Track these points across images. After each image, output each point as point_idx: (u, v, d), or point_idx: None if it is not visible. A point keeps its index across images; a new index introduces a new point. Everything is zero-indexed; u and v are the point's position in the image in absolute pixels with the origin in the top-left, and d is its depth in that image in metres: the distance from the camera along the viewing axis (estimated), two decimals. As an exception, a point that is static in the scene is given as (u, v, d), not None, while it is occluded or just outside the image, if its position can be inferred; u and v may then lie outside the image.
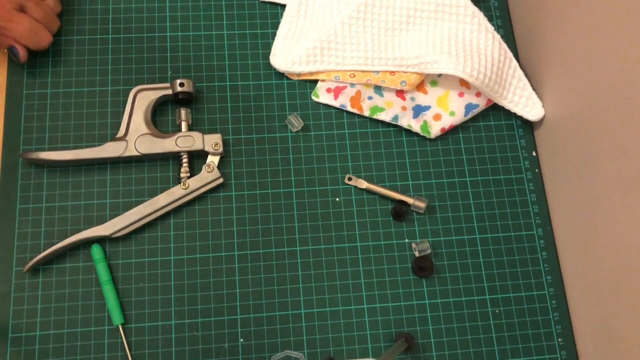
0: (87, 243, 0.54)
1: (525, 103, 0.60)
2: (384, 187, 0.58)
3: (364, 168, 0.59)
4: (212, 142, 0.56)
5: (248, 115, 0.59)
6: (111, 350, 0.51)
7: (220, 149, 0.56)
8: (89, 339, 0.52)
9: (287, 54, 0.60)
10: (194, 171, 0.56)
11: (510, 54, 0.61)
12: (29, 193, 0.55)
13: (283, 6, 0.63)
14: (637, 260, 0.47)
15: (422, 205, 0.57)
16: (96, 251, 0.53)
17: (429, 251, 0.56)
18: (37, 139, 0.56)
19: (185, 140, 0.55)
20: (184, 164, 0.55)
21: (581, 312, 0.55)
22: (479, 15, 0.61)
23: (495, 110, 0.62)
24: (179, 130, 0.57)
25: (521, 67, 0.62)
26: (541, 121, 0.61)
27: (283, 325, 0.54)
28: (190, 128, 0.57)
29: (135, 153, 0.55)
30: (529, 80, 0.61)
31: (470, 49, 0.59)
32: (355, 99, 0.60)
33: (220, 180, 0.56)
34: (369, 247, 0.57)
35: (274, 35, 0.62)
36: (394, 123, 0.60)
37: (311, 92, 0.61)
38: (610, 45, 0.49)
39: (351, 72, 0.60)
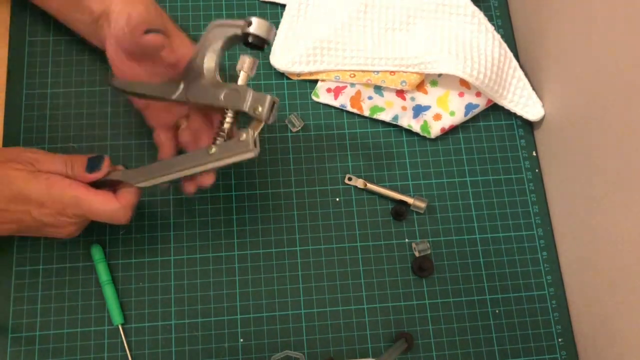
0: (87, 243, 0.54)
1: (525, 103, 0.60)
2: (384, 187, 0.58)
3: (364, 168, 0.59)
4: (255, 103, 0.45)
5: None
6: (111, 350, 0.51)
7: (263, 115, 0.45)
8: (89, 339, 0.52)
9: (287, 54, 0.60)
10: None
11: (510, 54, 0.61)
12: (29, 193, 0.55)
13: (283, 6, 0.63)
14: (637, 260, 0.47)
15: (422, 205, 0.57)
16: (96, 251, 0.53)
17: (429, 251, 0.56)
18: (37, 138, 0.56)
19: (232, 95, 0.45)
20: (225, 124, 0.47)
21: (581, 312, 0.55)
22: (479, 15, 0.61)
23: (495, 110, 0.62)
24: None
25: (521, 67, 0.62)
26: (541, 121, 0.61)
27: (283, 325, 0.54)
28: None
29: (184, 99, 0.47)
30: (529, 80, 0.61)
31: (471, 49, 0.59)
32: (355, 99, 0.60)
33: (251, 155, 0.45)
34: (369, 247, 0.57)
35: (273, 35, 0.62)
36: (394, 123, 0.60)
37: (311, 92, 0.61)
38: (610, 45, 0.49)
39: (351, 72, 0.60)
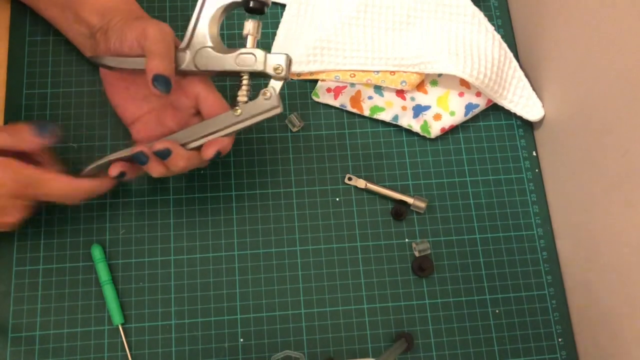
0: (87, 243, 0.54)
1: (525, 103, 0.60)
2: (384, 187, 0.58)
3: (364, 168, 0.59)
4: (274, 63, 0.48)
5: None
6: (111, 350, 0.51)
7: (284, 74, 0.48)
8: (89, 339, 0.52)
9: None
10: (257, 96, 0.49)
11: (510, 54, 0.61)
12: (29, 193, 0.55)
13: (283, 6, 0.63)
14: (637, 260, 0.47)
15: (422, 205, 0.57)
16: (96, 251, 0.53)
17: (429, 251, 0.56)
18: (37, 138, 0.56)
19: (245, 59, 0.48)
20: (243, 87, 0.49)
21: (581, 312, 0.55)
22: (479, 15, 0.61)
23: (495, 110, 0.62)
24: (244, 45, 0.49)
25: (521, 67, 0.62)
26: (541, 121, 0.61)
27: (283, 325, 0.54)
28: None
29: (193, 68, 0.48)
30: (529, 80, 0.61)
31: (471, 49, 0.59)
32: (355, 99, 0.60)
33: (278, 110, 0.49)
34: (369, 247, 0.57)
35: (274, 35, 0.62)
36: (394, 123, 0.60)
37: (311, 92, 0.61)
38: (610, 45, 0.49)
39: (351, 72, 0.60)
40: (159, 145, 0.46)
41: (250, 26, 0.48)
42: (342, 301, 0.55)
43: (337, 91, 0.60)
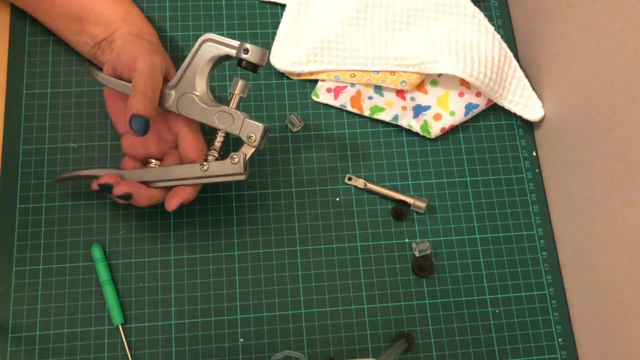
0: (87, 243, 0.54)
1: (525, 103, 0.60)
2: (384, 187, 0.58)
3: (364, 168, 0.59)
4: (249, 131, 0.48)
5: (248, 115, 0.59)
6: (111, 350, 0.51)
7: (256, 143, 0.48)
8: (89, 339, 0.52)
9: (287, 54, 0.60)
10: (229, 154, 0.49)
11: (510, 54, 0.61)
12: (29, 193, 0.55)
13: (283, 6, 0.63)
14: (637, 260, 0.47)
15: (422, 205, 0.57)
16: (96, 251, 0.53)
17: (429, 251, 0.56)
18: (37, 138, 0.56)
19: (224, 117, 0.48)
20: (217, 143, 0.49)
21: (581, 312, 0.55)
22: (479, 15, 0.61)
23: (495, 110, 0.62)
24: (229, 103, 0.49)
25: (521, 67, 0.62)
26: (541, 121, 0.61)
27: (283, 325, 0.54)
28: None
29: (175, 110, 0.48)
30: (529, 80, 0.61)
31: (471, 49, 0.59)
32: (356, 99, 0.60)
33: (241, 177, 0.48)
34: (369, 247, 0.57)
35: (274, 35, 0.62)
36: (394, 123, 0.60)
37: (311, 92, 0.61)
38: (610, 45, 0.49)
39: (351, 72, 0.60)
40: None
41: (238, 85, 0.48)
42: (342, 301, 0.55)
43: (337, 91, 0.60)
